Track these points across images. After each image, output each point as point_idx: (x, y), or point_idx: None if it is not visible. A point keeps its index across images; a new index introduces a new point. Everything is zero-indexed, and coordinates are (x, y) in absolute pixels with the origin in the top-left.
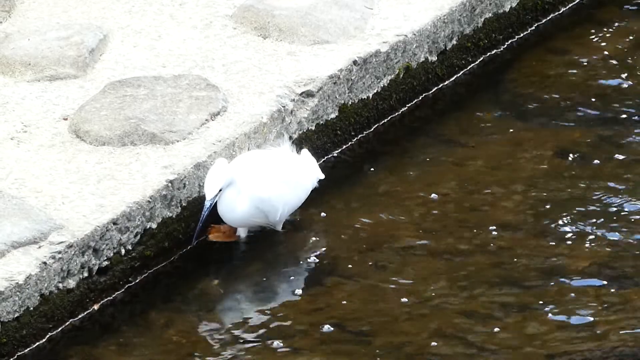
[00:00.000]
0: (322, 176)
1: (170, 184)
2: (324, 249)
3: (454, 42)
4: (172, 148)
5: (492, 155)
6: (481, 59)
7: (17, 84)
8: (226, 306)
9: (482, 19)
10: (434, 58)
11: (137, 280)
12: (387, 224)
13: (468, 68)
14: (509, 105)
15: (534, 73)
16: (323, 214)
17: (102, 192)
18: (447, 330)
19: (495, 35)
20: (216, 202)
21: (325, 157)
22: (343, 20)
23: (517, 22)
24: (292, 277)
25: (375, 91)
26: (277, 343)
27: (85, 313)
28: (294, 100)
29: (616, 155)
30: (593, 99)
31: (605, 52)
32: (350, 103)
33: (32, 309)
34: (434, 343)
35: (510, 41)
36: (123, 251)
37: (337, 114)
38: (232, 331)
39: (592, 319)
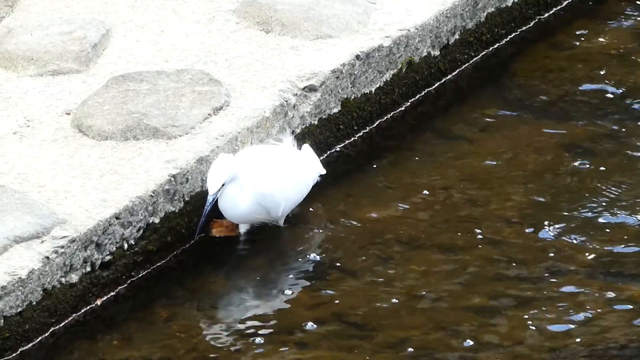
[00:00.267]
0: (324, 171)
1: (173, 179)
2: (326, 243)
3: (457, 36)
4: (175, 143)
5: (495, 150)
6: (484, 53)
7: (20, 79)
8: (229, 301)
9: (485, 14)
10: (437, 52)
11: (140, 275)
12: (389, 219)
13: (471, 62)
14: (512, 100)
15: (537, 68)
16: (326, 209)
17: (104, 187)
18: (449, 325)
19: (497, 30)
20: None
21: (328, 152)
22: (346, 15)
23: (520, 16)
24: (294, 272)
25: (378, 86)
26: (279, 337)
27: (88, 308)
28: (296, 94)
29: (619, 150)
30: (596, 94)
31: (608, 47)
32: (353, 98)
33: (34, 303)
34: (436, 338)
35: (512, 35)
36: (126, 246)
37: (339, 109)
38: (235, 326)
39: (593, 314)
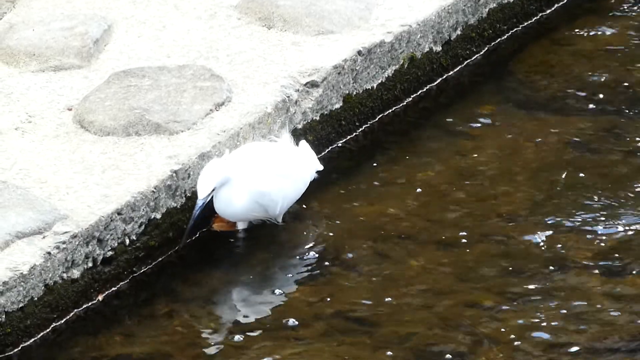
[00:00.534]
0: (321, 167)
1: (174, 174)
2: (328, 239)
3: (459, 32)
4: (177, 138)
5: (497, 146)
6: (485, 49)
7: (22, 75)
8: (230, 296)
9: (487, 9)
10: (439, 48)
11: (142, 271)
12: (391, 214)
13: (472, 58)
14: (514, 96)
15: (539, 63)
16: (327, 204)
17: (106, 182)
18: (451, 320)
19: (499, 26)
20: (211, 200)
21: (330, 148)
22: (347, 11)
23: (522, 12)
24: (295, 268)
25: (379, 81)
26: (280, 333)
27: (89, 303)
28: (298, 90)
29: (621, 146)
30: (597, 90)
31: (610, 43)
32: (354, 93)
33: (36, 299)
34: (438, 333)
35: (514, 31)
36: (127, 241)
37: (341, 104)
38: (236, 321)
39: (595, 310)
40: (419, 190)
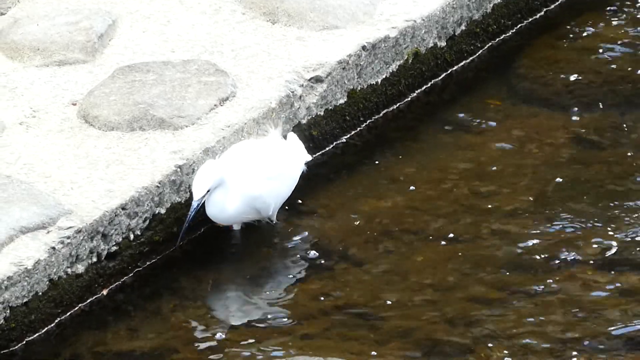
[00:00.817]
0: (309, 158)
1: (179, 169)
2: (331, 234)
3: (463, 27)
4: (181, 133)
5: (501, 141)
6: (490, 44)
7: (26, 69)
8: (235, 292)
9: (491, 5)
10: (443, 43)
11: (146, 265)
12: (395, 210)
13: (477, 54)
14: (518, 91)
15: (543, 59)
16: (332, 200)
17: (110, 177)
18: (455, 315)
19: (504, 21)
20: (204, 203)
21: (334, 143)
22: (352, 6)
23: (526, 7)
24: (300, 263)
25: (384, 77)
26: (285, 328)
27: (94, 298)
28: (302, 85)
29: (626, 141)
30: (603, 85)
31: (615, 38)
32: (359, 88)
33: (40, 294)
34: (442, 328)
35: (519, 27)
36: (132, 236)
37: (346, 100)
38: (240, 316)
39: (601, 305)
40: (423, 185)
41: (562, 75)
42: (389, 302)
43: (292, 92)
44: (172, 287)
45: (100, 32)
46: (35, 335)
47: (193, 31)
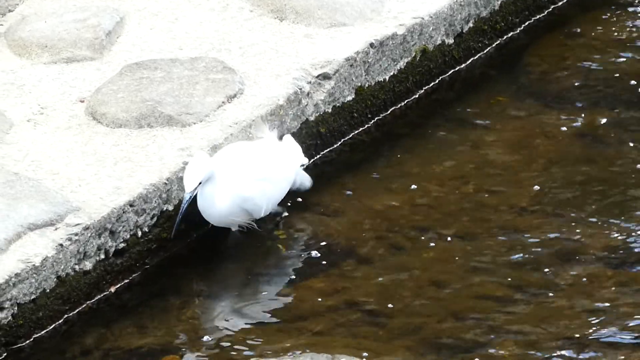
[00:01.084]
0: (306, 161)
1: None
2: (339, 231)
3: (471, 24)
4: (189, 130)
5: (509, 138)
6: (498, 42)
7: (34, 66)
8: (243, 289)
9: (499, 2)
10: (451, 41)
11: (154, 263)
12: (403, 207)
13: (485, 51)
14: (526, 88)
15: (551, 56)
16: (340, 197)
17: (118, 174)
18: (463, 312)
19: (511, 18)
20: (196, 198)
21: (342, 140)
22: (360, 3)
23: (534, 4)
24: (307, 260)
25: (391, 74)
26: (293, 325)
27: (101, 295)
28: (310, 82)
29: (634, 138)
30: (610, 82)
31: (623, 35)
32: (367, 85)
33: (48, 291)
34: (450, 325)
35: (527, 24)
36: (140, 233)
37: (353, 97)
38: (248, 313)
39: (609, 302)
40: (431, 182)
41: (569, 73)
42: (397, 299)
43: (300, 89)
44: (179, 284)
45: (108, 29)
46: (43, 332)
47: (201, 28)
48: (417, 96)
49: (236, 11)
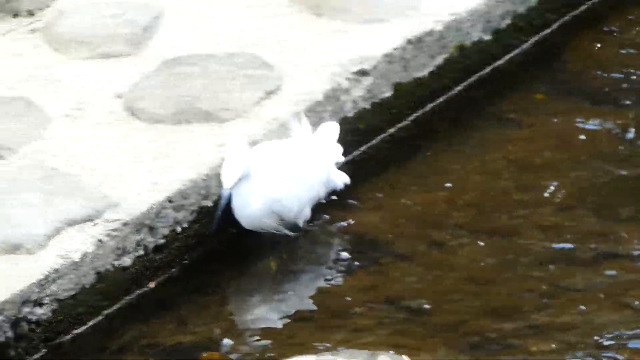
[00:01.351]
0: (342, 159)
1: None
2: (377, 227)
3: (508, 21)
4: (227, 126)
5: (547, 135)
6: (535, 38)
7: (71, 61)
8: (282, 285)
9: None
10: (488, 37)
11: (194, 258)
12: (442, 203)
13: (522, 47)
14: (563, 85)
15: (588, 53)
16: (378, 193)
17: (157, 170)
18: (502, 309)
19: (548, 15)
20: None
21: (381, 136)
22: None
23: (571, 1)
24: (347, 257)
25: (429, 70)
26: (331, 321)
27: (141, 290)
28: (348, 78)
29: None
30: None
31: None
32: (404, 82)
33: (88, 286)
34: (490, 323)
35: (563, 20)
36: (179, 229)
37: (391, 93)
38: (287, 309)
39: None
40: (468, 179)
41: (606, 71)
42: (436, 296)
43: (339, 85)
44: (218, 280)
45: (144, 24)
46: (82, 328)
47: (238, 24)
48: (454, 92)
49: (274, 7)
